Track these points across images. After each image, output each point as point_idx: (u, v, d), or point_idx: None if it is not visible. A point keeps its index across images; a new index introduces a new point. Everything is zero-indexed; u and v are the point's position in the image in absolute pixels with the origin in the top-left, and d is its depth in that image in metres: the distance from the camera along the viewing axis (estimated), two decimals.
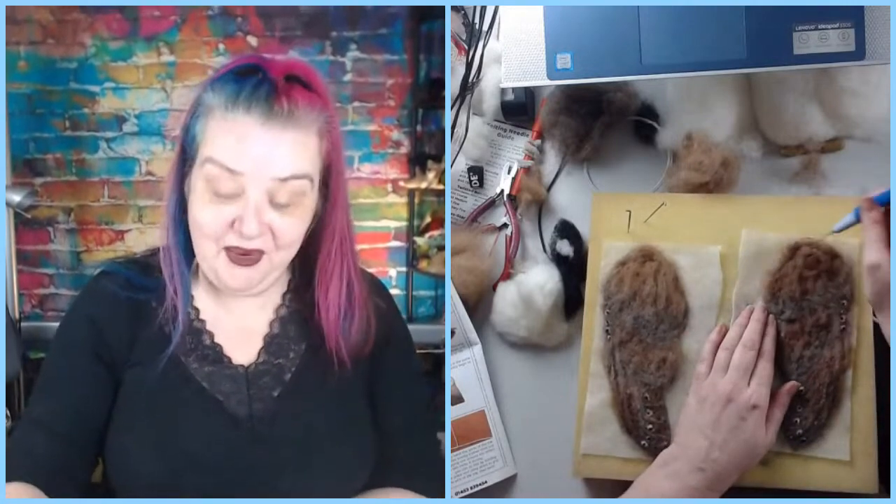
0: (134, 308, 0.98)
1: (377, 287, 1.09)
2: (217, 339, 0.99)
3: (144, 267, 1.01)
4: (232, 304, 1.00)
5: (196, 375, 0.97)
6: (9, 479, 0.89)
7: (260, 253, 0.92)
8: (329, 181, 0.96)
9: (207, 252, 0.92)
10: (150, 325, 0.97)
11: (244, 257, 0.92)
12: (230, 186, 0.89)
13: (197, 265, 0.98)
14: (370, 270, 1.11)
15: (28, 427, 0.94)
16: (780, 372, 1.04)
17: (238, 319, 1.01)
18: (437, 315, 3.02)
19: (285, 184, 0.89)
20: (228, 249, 0.91)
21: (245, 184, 0.88)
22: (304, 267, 1.01)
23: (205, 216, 0.90)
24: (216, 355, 0.99)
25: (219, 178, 0.88)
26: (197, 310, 1.00)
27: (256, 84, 0.89)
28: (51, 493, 0.89)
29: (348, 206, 0.99)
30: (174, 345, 0.96)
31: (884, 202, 0.94)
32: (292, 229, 0.92)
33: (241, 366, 0.99)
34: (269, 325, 1.02)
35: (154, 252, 1.00)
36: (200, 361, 0.98)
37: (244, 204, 0.89)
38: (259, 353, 1.00)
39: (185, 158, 0.93)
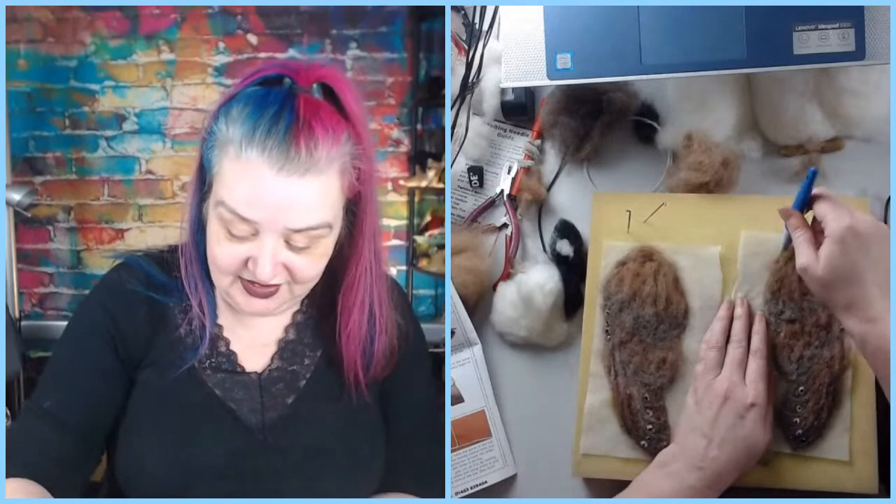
0: (153, 308, 0.96)
1: (397, 295, 1.05)
2: (232, 347, 0.98)
3: (164, 263, 0.97)
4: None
5: (209, 382, 0.95)
6: (13, 472, 0.87)
7: (278, 286, 0.90)
8: (356, 209, 0.93)
9: (223, 282, 0.90)
10: (168, 329, 0.96)
11: (262, 289, 0.89)
12: (244, 230, 0.85)
13: None
14: None
15: (36, 418, 0.92)
16: (780, 372, 1.04)
17: (255, 325, 0.99)
18: (437, 314, 3.02)
19: (305, 232, 0.86)
20: (245, 280, 0.89)
21: (259, 229, 0.85)
22: (326, 273, 0.96)
23: (219, 253, 0.87)
24: (230, 363, 0.97)
25: (231, 222, 0.85)
26: (214, 314, 0.98)
27: (275, 115, 0.82)
28: (54, 489, 0.88)
29: (377, 232, 0.95)
30: (199, 353, 0.94)
31: (800, 206, 0.97)
32: (310, 268, 0.89)
33: (255, 373, 0.97)
34: (285, 329, 1.00)
35: (173, 248, 0.97)
36: (214, 368, 0.96)
37: (259, 246, 0.85)
38: (272, 359, 0.98)
39: (203, 178, 0.89)
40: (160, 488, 0.91)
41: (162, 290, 0.96)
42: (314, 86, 0.87)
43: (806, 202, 0.97)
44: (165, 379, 0.94)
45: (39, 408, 0.93)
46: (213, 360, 0.96)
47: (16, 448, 0.90)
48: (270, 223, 0.84)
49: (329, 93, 0.88)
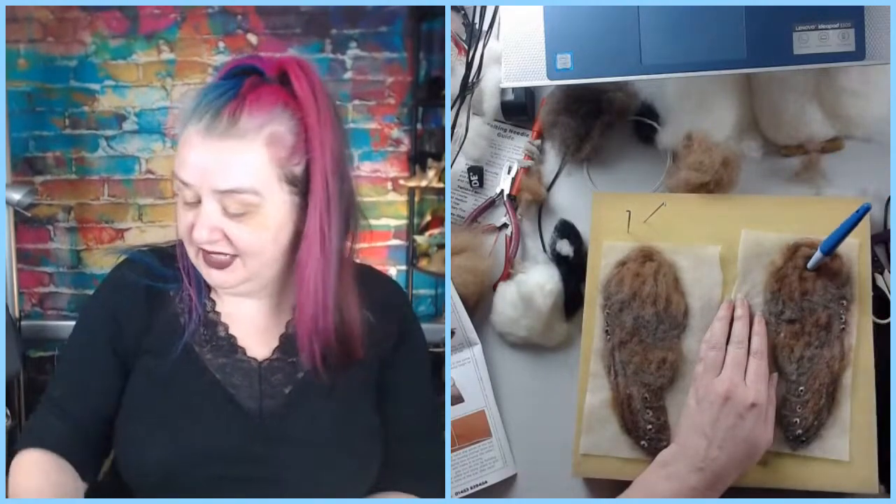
0: (152, 296, 1.00)
1: (390, 289, 1.07)
2: (231, 331, 1.00)
3: (166, 256, 1.02)
4: (247, 302, 1.01)
5: (210, 367, 0.98)
6: (29, 445, 0.96)
7: (231, 257, 0.93)
8: (309, 184, 0.93)
9: (190, 252, 0.96)
10: (166, 314, 1.00)
11: (216, 260, 0.93)
12: (190, 195, 0.91)
13: None
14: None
15: (46, 407, 1.00)
16: (780, 372, 1.04)
17: (254, 316, 1.02)
18: (437, 314, 3.02)
19: (231, 195, 0.90)
20: (203, 251, 0.94)
21: (199, 193, 0.91)
22: None
23: (178, 221, 0.94)
24: (230, 347, 1.00)
25: (181, 189, 0.92)
26: (213, 301, 1.01)
27: (220, 93, 0.90)
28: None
29: (328, 206, 0.94)
30: (188, 334, 0.98)
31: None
32: (249, 237, 0.92)
33: (255, 359, 1.00)
34: (286, 325, 1.02)
35: (176, 243, 1.01)
36: (214, 352, 0.99)
37: (198, 211, 0.91)
38: (274, 351, 1.01)
39: None
40: (160, 472, 0.93)
41: (162, 280, 1.00)
42: (277, 75, 0.93)
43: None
44: (165, 362, 0.97)
45: (49, 397, 1.00)
46: (213, 343, 0.99)
47: (30, 431, 0.98)
48: (201, 185, 0.90)
49: (284, 81, 0.93)
